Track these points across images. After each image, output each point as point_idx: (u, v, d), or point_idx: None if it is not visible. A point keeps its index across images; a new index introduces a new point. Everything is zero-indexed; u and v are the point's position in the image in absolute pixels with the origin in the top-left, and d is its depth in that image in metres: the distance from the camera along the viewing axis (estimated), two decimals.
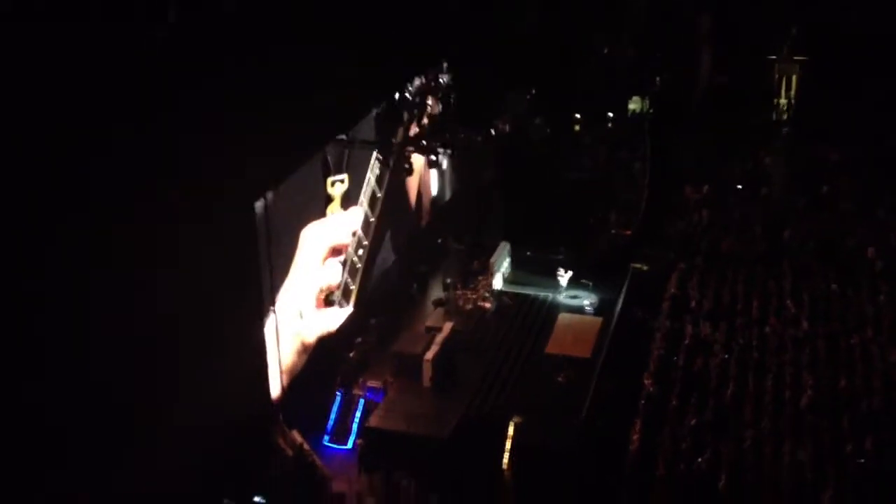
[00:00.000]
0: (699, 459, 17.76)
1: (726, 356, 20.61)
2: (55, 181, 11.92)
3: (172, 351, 14.27)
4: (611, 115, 30.63)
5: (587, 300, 24.12)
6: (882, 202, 25.42)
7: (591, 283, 24.47)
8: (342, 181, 21.20)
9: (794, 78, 30.96)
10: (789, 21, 30.84)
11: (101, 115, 12.57)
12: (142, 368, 13.64)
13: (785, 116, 31.20)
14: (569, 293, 24.26)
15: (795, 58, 30.71)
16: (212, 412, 15.26)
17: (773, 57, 31.13)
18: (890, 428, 18.10)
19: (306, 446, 18.51)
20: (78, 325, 12.50)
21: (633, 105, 31.37)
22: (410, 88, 23.15)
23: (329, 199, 20.89)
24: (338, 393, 20.07)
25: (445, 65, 25.30)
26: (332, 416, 19.80)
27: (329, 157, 20.78)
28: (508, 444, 19.13)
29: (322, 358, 20.40)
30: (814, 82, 30.46)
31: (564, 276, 24.33)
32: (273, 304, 18.21)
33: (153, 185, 13.52)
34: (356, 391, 20.45)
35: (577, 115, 30.08)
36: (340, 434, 19.63)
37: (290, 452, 17.99)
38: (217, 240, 15.32)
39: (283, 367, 18.73)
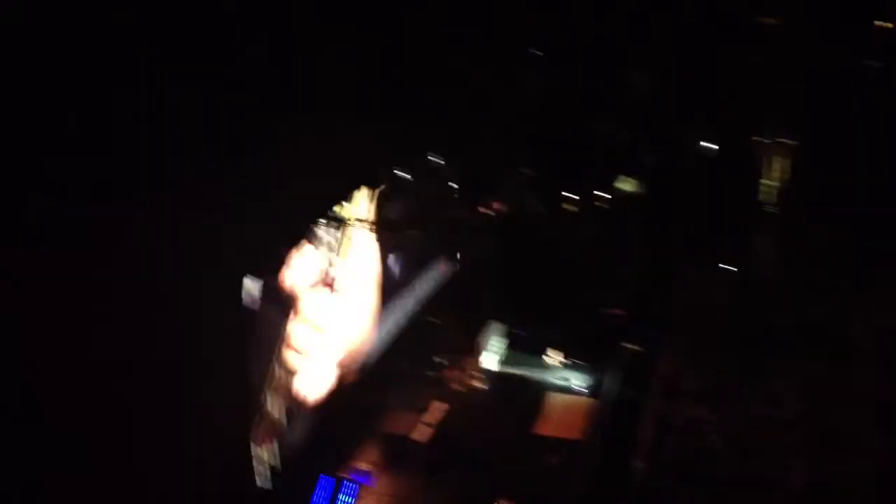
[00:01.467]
0: None
1: (717, 438, 20.53)
2: None
3: (150, 439, 14.18)
4: (603, 194, 30.96)
5: (578, 380, 24.08)
6: (868, 283, 25.53)
7: (582, 363, 24.45)
8: None
9: (781, 160, 31.33)
10: (776, 103, 31.37)
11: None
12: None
13: (776, 198, 31.50)
14: (559, 374, 24.21)
15: (782, 140, 31.14)
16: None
17: (762, 139, 31.56)
18: None
19: None
20: None
21: (622, 184, 31.78)
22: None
23: None
24: (323, 476, 19.85)
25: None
26: (317, 497, 19.53)
27: None
28: None
29: (308, 436, 20.28)
30: (803, 164, 30.84)
31: (555, 358, 24.32)
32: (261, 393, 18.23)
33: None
34: (342, 474, 20.26)
35: (571, 195, 30.41)
36: None
37: None
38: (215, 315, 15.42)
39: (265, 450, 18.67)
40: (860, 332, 23.75)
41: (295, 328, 19.68)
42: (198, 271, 14.59)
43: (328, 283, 21.03)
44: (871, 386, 22.08)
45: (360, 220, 22.36)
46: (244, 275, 17.13)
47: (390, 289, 24.79)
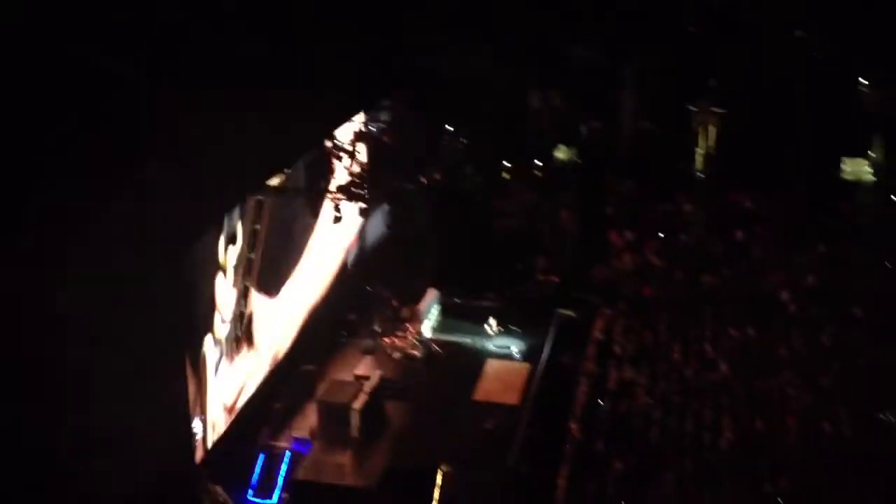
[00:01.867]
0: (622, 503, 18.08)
1: (649, 400, 21.02)
2: None
3: (85, 408, 13.97)
4: (539, 163, 31.20)
5: (515, 347, 24.37)
6: (796, 248, 26.29)
7: (518, 330, 24.74)
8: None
9: (712, 128, 31.92)
10: (708, 73, 31.88)
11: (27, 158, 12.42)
12: (50, 426, 13.29)
13: (703, 165, 32.11)
14: (497, 342, 24.45)
15: (713, 109, 31.71)
16: (130, 470, 14.97)
17: (693, 108, 32.09)
18: (806, 469, 18.66)
19: (230, 503, 18.25)
20: None
21: (561, 154, 32.05)
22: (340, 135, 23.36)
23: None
24: (263, 444, 19.81)
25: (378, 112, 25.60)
26: (257, 469, 19.49)
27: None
28: (437, 494, 19.16)
29: (246, 409, 20.18)
30: (732, 132, 31.45)
31: (493, 325, 24.54)
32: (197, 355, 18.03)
33: (72, 230, 13.32)
34: (281, 443, 20.24)
35: (508, 164, 30.59)
36: (265, 488, 19.31)
37: None
38: (139, 292, 15.14)
39: (208, 422, 18.53)
40: (787, 295, 24.50)
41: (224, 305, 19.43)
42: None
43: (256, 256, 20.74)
44: (798, 348, 22.84)
45: (292, 191, 22.12)
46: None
47: (326, 259, 24.73)
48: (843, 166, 29.99)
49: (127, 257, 14.47)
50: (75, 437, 13.72)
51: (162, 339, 15.90)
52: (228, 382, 19.53)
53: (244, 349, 20.29)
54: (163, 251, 15.97)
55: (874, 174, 29.93)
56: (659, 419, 20.42)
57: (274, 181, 20.76)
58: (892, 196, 28.44)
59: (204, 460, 18.31)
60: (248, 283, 20.28)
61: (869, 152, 30.50)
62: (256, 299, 20.66)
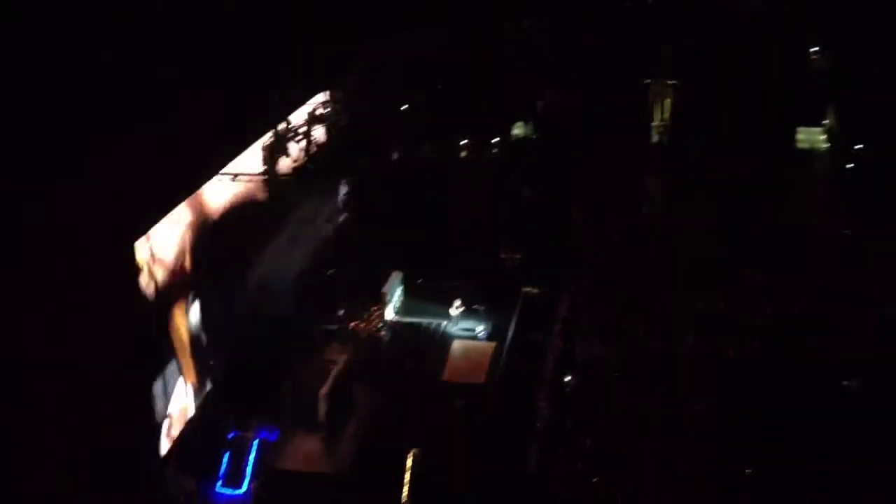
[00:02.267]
0: (594, 480, 18.10)
1: (616, 375, 21.10)
2: None
3: (42, 400, 13.63)
4: (496, 140, 31.11)
5: (480, 326, 24.27)
6: (757, 220, 26.54)
7: (483, 309, 24.62)
8: None
9: (667, 101, 32.09)
10: (662, 44, 32.01)
11: None
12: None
13: (660, 138, 32.30)
14: (462, 321, 24.33)
15: (668, 81, 31.86)
16: (95, 459, 14.66)
17: (648, 80, 32.21)
18: (777, 438, 18.89)
19: (198, 493, 17.97)
20: None
21: (518, 129, 31.98)
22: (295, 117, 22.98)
23: None
24: (230, 434, 19.51)
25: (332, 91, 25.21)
26: (225, 458, 19.21)
27: None
28: (408, 476, 19.05)
29: (212, 398, 19.87)
30: (688, 104, 31.65)
31: (456, 305, 24.37)
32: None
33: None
34: (249, 431, 19.96)
35: (465, 141, 30.43)
36: (234, 478, 19.04)
37: (181, 500, 17.42)
38: (94, 283, 14.80)
39: (174, 412, 18.20)
40: (749, 268, 24.72)
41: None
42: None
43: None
44: (761, 320, 23.05)
45: (248, 175, 21.71)
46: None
47: (285, 243, 24.36)
48: (797, 135, 30.42)
49: (80, 245, 14.13)
50: (33, 431, 13.40)
51: (118, 330, 15.57)
52: (193, 372, 19.21)
53: (207, 337, 19.97)
54: (115, 240, 15.64)
55: (828, 142, 30.43)
56: (627, 394, 20.48)
57: (229, 167, 20.39)
58: (846, 164, 28.90)
59: (170, 451, 17.98)
60: (207, 270, 19.93)
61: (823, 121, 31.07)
62: (216, 286, 20.33)
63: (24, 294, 13.11)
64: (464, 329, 24.23)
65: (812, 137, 30.57)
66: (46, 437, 13.70)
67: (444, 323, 24.31)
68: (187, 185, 18.63)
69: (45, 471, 13.72)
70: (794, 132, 30.25)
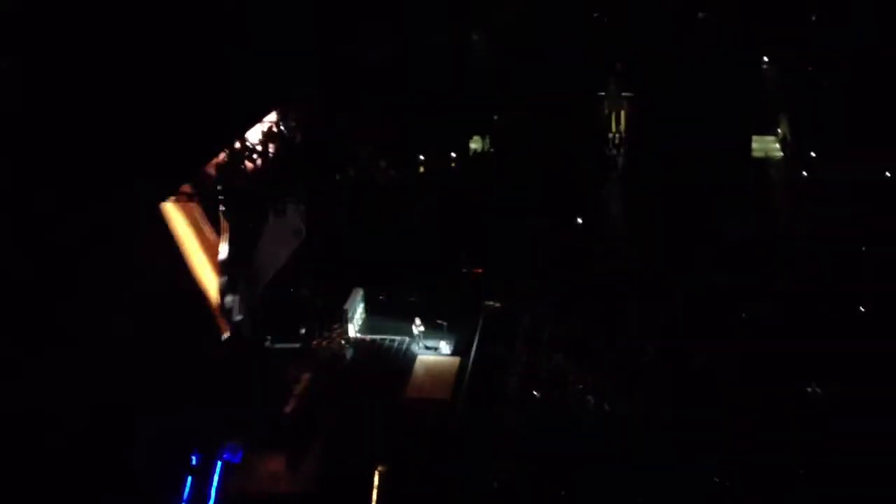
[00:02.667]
0: (562, 492, 18.03)
1: (581, 387, 21.07)
2: None
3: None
4: (453, 154, 31.08)
5: (444, 341, 24.14)
6: (722, 228, 26.78)
7: (445, 324, 24.49)
8: None
9: (622, 112, 32.36)
10: (613, 58, 32.29)
11: None
12: None
13: (616, 149, 32.52)
14: (425, 337, 24.15)
15: (623, 93, 32.14)
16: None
17: (602, 93, 32.46)
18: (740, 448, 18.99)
19: None
20: None
21: (475, 143, 32.02)
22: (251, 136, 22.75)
23: None
24: (193, 456, 19.12)
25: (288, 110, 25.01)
26: (188, 482, 18.83)
27: None
28: (375, 494, 18.85)
29: (174, 419, 19.49)
30: (643, 115, 31.92)
31: (419, 326, 24.13)
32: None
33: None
34: (213, 453, 19.59)
35: (422, 157, 30.35)
36: (198, 500, 18.68)
37: None
38: None
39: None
40: (710, 271, 24.90)
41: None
42: None
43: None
44: (727, 324, 23.20)
45: (206, 194, 21.44)
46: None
47: (246, 261, 24.06)
48: (752, 144, 30.85)
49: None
50: None
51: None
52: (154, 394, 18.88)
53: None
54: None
55: (781, 150, 30.93)
56: (591, 404, 20.46)
57: (184, 186, 20.14)
58: (800, 170, 29.37)
59: (133, 472, 17.62)
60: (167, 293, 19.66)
61: (777, 129, 31.56)
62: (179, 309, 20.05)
63: None
64: (427, 345, 24.11)
65: (766, 146, 31.06)
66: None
67: (407, 339, 24.13)
68: (148, 202, 18.41)
69: None
70: (749, 141, 30.69)
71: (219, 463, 19.07)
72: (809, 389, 20.35)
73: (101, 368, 16.72)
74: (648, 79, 30.92)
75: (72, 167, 14.91)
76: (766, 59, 31.25)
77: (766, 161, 30.55)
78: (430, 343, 24.08)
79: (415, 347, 23.97)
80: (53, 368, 14.48)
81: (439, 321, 24.50)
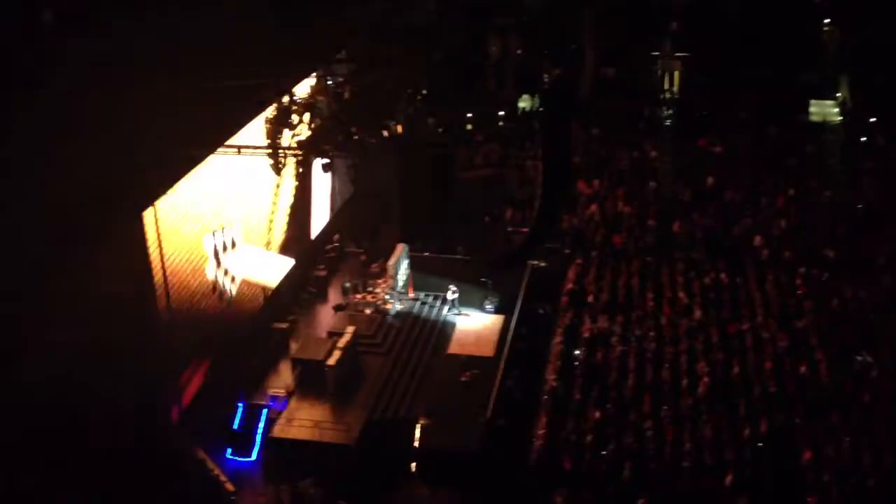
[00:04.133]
0: (603, 452, 18.04)
1: (624, 348, 20.99)
2: None
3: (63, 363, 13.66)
4: (502, 113, 30.81)
5: (487, 299, 24.16)
6: (765, 192, 26.32)
7: (490, 282, 24.49)
8: None
9: (676, 73, 31.77)
10: (670, 17, 31.66)
11: None
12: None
13: (669, 111, 31.99)
14: (469, 294, 24.15)
15: (677, 54, 31.53)
16: (108, 430, 14.68)
17: (656, 53, 31.88)
18: (782, 411, 18.79)
19: (209, 461, 17.97)
20: None
21: (524, 103, 31.70)
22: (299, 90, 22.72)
23: None
24: (239, 404, 19.49)
25: (336, 65, 24.90)
26: (235, 427, 19.21)
27: None
28: (415, 447, 19.05)
29: (223, 367, 19.85)
30: (696, 76, 31.33)
31: (454, 293, 24.07)
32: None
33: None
34: (258, 401, 19.96)
35: (469, 115, 30.11)
36: (244, 446, 19.07)
37: (192, 468, 17.43)
38: (108, 245, 14.79)
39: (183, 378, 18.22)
40: (759, 240, 24.53)
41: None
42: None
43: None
44: (770, 290, 22.93)
45: (253, 148, 21.51)
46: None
47: (294, 215, 24.26)
48: (810, 108, 30.14)
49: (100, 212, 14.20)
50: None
51: (129, 293, 15.58)
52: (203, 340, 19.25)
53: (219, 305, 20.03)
54: (128, 207, 15.57)
55: (840, 115, 30.15)
56: (634, 367, 20.38)
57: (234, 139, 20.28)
58: (858, 136, 28.63)
59: (181, 420, 18.00)
60: (222, 240, 19.98)
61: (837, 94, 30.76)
62: (230, 256, 20.31)
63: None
64: (471, 301, 24.15)
65: (824, 110, 30.30)
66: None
67: (451, 296, 24.19)
68: (196, 157, 18.60)
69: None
70: (807, 105, 29.98)
71: (264, 411, 19.43)
72: (858, 357, 20.05)
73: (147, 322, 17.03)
74: (703, 39, 30.27)
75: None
76: (826, 20, 30.40)
77: (823, 125, 29.84)
78: (474, 299, 24.13)
79: (458, 301, 24.00)
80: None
81: (483, 279, 24.52)
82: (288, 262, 22.92)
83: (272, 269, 22.51)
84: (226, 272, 20.35)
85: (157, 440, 16.87)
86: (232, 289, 20.68)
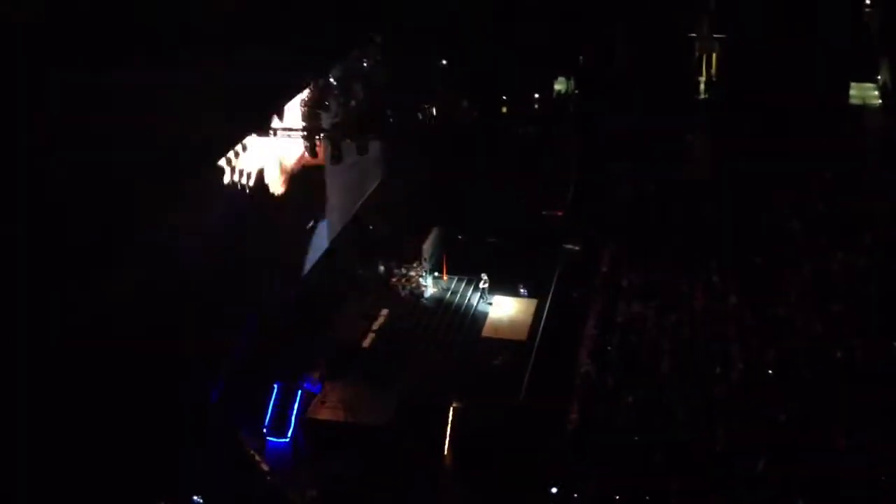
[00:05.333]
0: (636, 437, 18.05)
1: (658, 333, 20.94)
2: None
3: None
4: (537, 95, 30.69)
5: (521, 283, 24.13)
6: (802, 175, 26.05)
7: (524, 266, 24.44)
8: None
9: (713, 55, 31.47)
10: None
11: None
12: None
13: (705, 93, 31.73)
14: (503, 278, 24.13)
15: (715, 35, 31.21)
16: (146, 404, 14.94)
17: (693, 35, 31.57)
18: (817, 397, 18.65)
19: (245, 441, 18.22)
20: None
21: (559, 85, 31.57)
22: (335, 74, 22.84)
23: None
24: (275, 385, 19.73)
25: (371, 48, 24.99)
26: (270, 408, 19.45)
27: None
28: (449, 430, 19.15)
29: (259, 348, 20.09)
30: (734, 58, 30.99)
31: (485, 282, 24.05)
32: None
33: None
34: (294, 382, 20.16)
35: (504, 97, 30.05)
36: (279, 426, 19.30)
37: (228, 447, 17.68)
38: None
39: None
40: (792, 224, 24.29)
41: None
42: None
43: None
44: (806, 275, 22.71)
45: (291, 130, 21.67)
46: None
47: (328, 198, 24.40)
48: (850, 91, 29.75)
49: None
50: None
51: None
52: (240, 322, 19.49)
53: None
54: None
55: (880, 98, 29.71)
56: (668, 352, 20.33)
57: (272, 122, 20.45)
58: None
59: (218, 400, 18.26)
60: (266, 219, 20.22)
61: (878, 77, 30.29)
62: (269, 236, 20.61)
63: None
64: (504, 285, 24.14)
65: (864, 93, 29.90)
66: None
67: (485, 279, 24.21)
68: (235, 137, 18.85)
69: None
70: (846, 87, 29.56)
71: (299, 392, 19.64)
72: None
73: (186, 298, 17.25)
74: (742, 21, 29.91)
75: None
76: (868, 1, 29.92)
77: (863, 109, 29.43)
78: (508, 283, 24.12)
79: (492, 285, 23.99)
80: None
81: (517, 262, 24.47)
82: None
83: None
84: None
85: (196, 417, 17.16)
86: None
